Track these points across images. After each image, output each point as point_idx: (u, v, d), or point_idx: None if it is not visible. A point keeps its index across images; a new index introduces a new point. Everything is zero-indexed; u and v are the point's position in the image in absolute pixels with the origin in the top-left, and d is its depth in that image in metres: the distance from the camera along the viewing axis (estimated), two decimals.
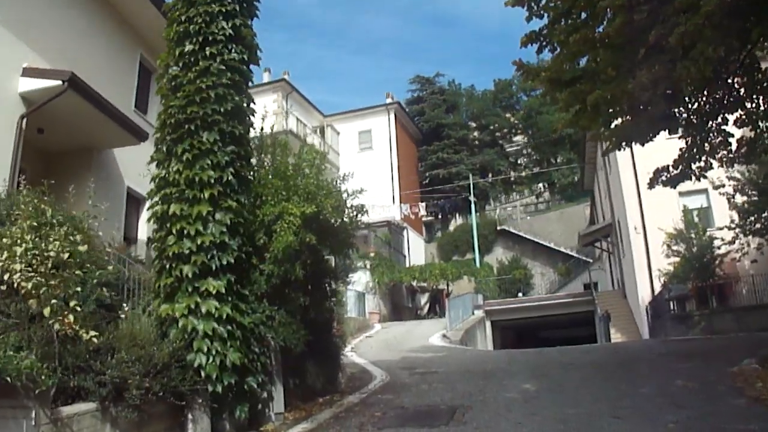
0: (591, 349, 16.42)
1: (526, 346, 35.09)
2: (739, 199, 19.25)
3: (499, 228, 47.94)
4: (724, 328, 18.16)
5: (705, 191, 22.98)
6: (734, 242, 19.72)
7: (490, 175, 51.97)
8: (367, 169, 42.99)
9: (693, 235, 20.69)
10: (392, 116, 45.69)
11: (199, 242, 7.46)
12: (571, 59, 11.28)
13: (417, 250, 45.22)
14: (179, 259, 7.51)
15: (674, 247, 21.03)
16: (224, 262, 7.58)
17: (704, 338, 16.88)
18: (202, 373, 7.19)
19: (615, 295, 29.91)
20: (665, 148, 21.68)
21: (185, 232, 7.50)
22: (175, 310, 7.35)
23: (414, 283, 38.88)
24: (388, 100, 46.66)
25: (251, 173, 8.77)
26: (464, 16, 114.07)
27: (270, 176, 9.65)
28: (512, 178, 54.82)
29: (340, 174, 11.42)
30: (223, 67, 8.14)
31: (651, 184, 13.56)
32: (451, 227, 51.37)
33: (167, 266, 7.58)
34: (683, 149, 12.86)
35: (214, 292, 7.40)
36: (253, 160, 9.63)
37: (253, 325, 8.11)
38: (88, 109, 11.72)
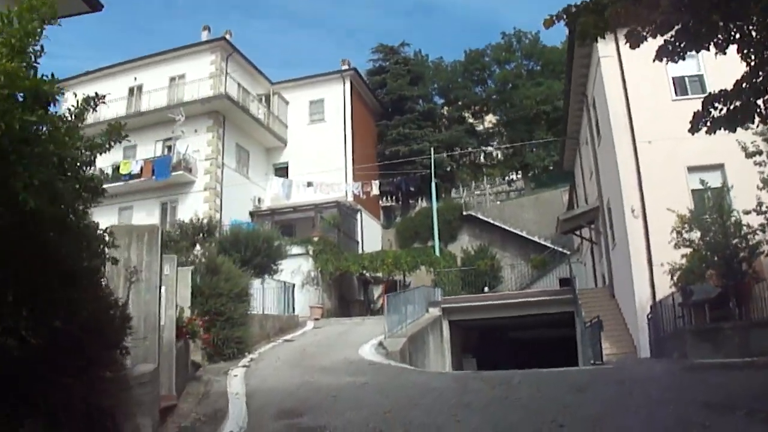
0: (584, 384, 10.59)
1: (493, 350, 30.05)
2: None
3: (465, 213, 42.20)
4: (764, 346, 12.70)
5: (721, 167, 17.83)
6: (765, 230, 14.73)
7: (458, 150, 45.76)
8: (318, 143, 38.29)
9: (712, 219, 15.45)
10: (347, 85, 40.03)
11: None
12: None
13: (373, 237, 39.91)
14: None
15: (686, 235, 15.79)
16: None
17: (744, 363, 11.40)
18: None
19: (600, 293, 24.47)
20: (672, 110, 17.30)
21: None
22: None
23: (367, 274, 33.57)
24: (344, 67, 41.00)
25: None
26: (445, 6, 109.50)
27: None
28: (482, 158, 49.15)
29: None
30: None
31: (694, 126, 8.69)
32: (414, 213, 45.65)
33: None
34: (747, 70, 8.01)
35: None
36: None
37: None
38: None
